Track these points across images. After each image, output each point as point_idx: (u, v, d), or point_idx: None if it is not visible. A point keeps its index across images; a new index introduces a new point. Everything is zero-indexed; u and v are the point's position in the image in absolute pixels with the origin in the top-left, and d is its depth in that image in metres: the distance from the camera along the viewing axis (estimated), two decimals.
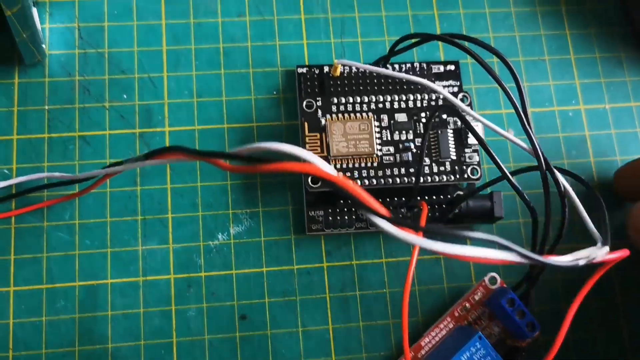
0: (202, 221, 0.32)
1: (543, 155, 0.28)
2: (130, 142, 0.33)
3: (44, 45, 0.33)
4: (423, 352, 0.31)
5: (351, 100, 0.32)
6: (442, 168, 0.32)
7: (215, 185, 0.33)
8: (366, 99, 0.32)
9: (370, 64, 0.34)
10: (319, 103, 0.32)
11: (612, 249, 0.25)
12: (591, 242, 0.26)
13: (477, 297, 0.31)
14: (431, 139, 0.32)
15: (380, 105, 0.32)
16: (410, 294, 0.31)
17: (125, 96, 0.34)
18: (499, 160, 0.29)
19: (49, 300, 0.31)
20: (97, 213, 0.32)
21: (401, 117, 0.32)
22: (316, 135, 0.32)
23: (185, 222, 0.32)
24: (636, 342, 0.33)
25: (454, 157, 0.32)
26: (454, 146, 0.32)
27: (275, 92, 0.35)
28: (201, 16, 0.35)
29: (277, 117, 0.34)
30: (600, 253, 0.24)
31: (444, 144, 0.32)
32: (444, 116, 0.32)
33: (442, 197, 0.33)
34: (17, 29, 0.31)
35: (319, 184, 0.31)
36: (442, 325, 0.31)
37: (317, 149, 0.31)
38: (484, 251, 0.20)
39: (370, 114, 0.32)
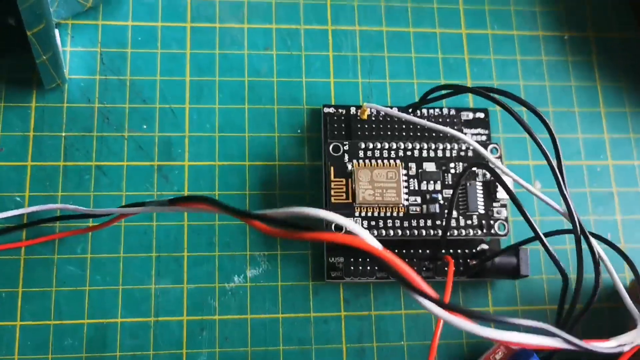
0: (218, 261, 0.31)
1: (578, 220, 0.27)
2: (148, 175, 0.32)
3: (64, 69, 0.32)
4: None
5: (379, 145, 0.31)
6: (469, 222, 0.31)
7: (233, 225, 0.32)
8: (394, 145, 0.31)
9: (398, 109, 0.33)
10: (346, 147, 0.31)
11: None
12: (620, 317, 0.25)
13: (497, 357, 0.30)
14: (459, 191, 0.31)
15: (409, 153, 0.31)
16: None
17: (145, 126, 0.32)
18: (532, 221, 0.28)
19: (56, 338, 0.29)
20: (110, 248, 0.31)
21: (430, 167, 0.31)
22: (342, 181, 0.31)
23: (201, 261, 0.31)
24: None
25: (482, 211, 0.31)
26: (482, 199, 0.31)
27: (299, 131, 0.34)
28: (227, 47, 0.34)
29: (300, 157, 0.33)
30: None
31: (472, 196, 0.31)
32: (473, 168, 0.32)
33: (466, 250, 0.32)
34: (37, 50, 0.30)
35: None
36: None
37: (342, 195, 0.30)
38: (532, 338, 0.19)
39: (398, 161, 0.31)
